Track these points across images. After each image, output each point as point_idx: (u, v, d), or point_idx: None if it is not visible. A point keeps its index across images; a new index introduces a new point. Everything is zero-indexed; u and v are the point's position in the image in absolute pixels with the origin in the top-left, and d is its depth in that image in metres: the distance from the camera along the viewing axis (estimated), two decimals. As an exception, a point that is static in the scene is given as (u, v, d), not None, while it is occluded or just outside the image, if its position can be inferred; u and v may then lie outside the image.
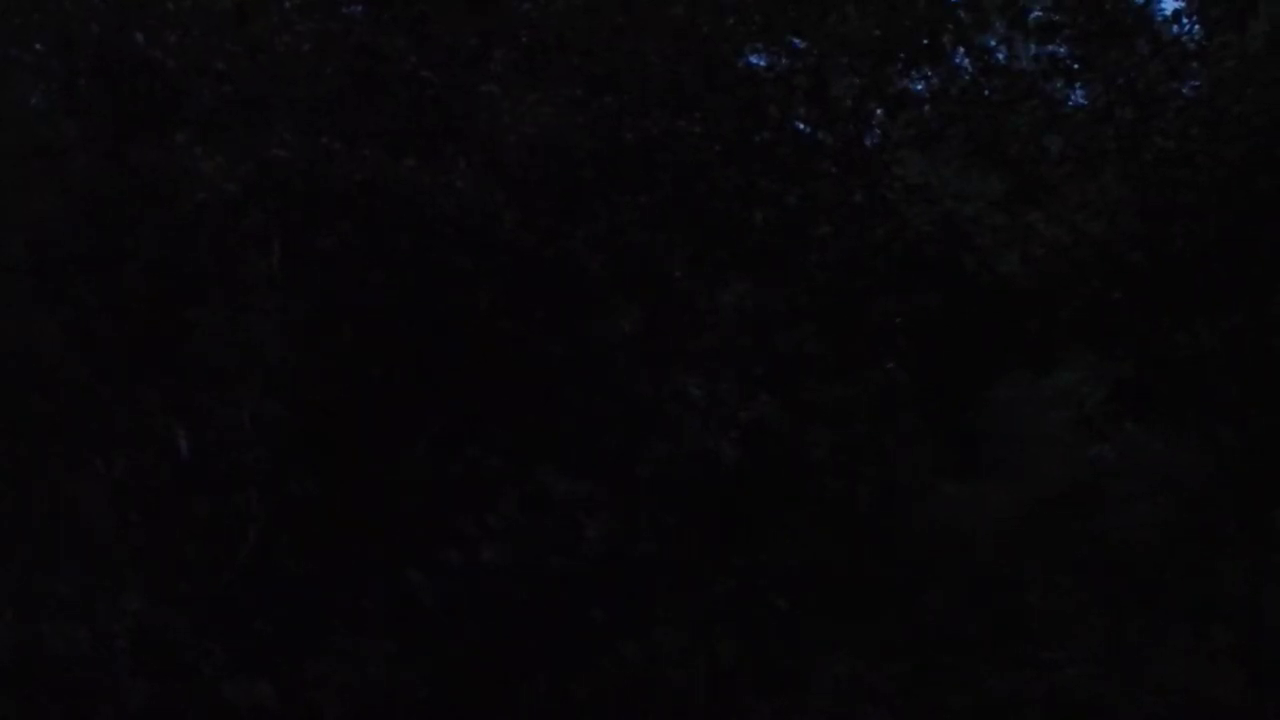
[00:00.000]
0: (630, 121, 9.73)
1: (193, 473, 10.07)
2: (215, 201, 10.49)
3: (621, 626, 9.15)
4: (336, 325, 10.30)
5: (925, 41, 10.62)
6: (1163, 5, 13.15)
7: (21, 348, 10.55)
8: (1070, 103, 12.05)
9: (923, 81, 10.98)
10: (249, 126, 10.60)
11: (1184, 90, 11.41)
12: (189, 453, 10.25)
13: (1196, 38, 11.59)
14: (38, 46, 14.08)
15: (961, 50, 11.10)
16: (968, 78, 11.02)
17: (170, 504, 9.91)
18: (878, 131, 10.74)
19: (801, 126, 10.47)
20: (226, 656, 8.19)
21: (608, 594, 9.31)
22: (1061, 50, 11.72)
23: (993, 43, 11.55)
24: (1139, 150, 11.19)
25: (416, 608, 8.95)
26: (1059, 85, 11.73)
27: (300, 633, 9.04)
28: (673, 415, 9.53)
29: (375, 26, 9.95)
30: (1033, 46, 11.70)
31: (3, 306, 10.10)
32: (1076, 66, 11.70)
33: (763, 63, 10.47)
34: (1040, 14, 11.66)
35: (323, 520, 9.71)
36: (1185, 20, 12.07)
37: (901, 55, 10.67)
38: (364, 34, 9.93)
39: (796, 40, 10.23)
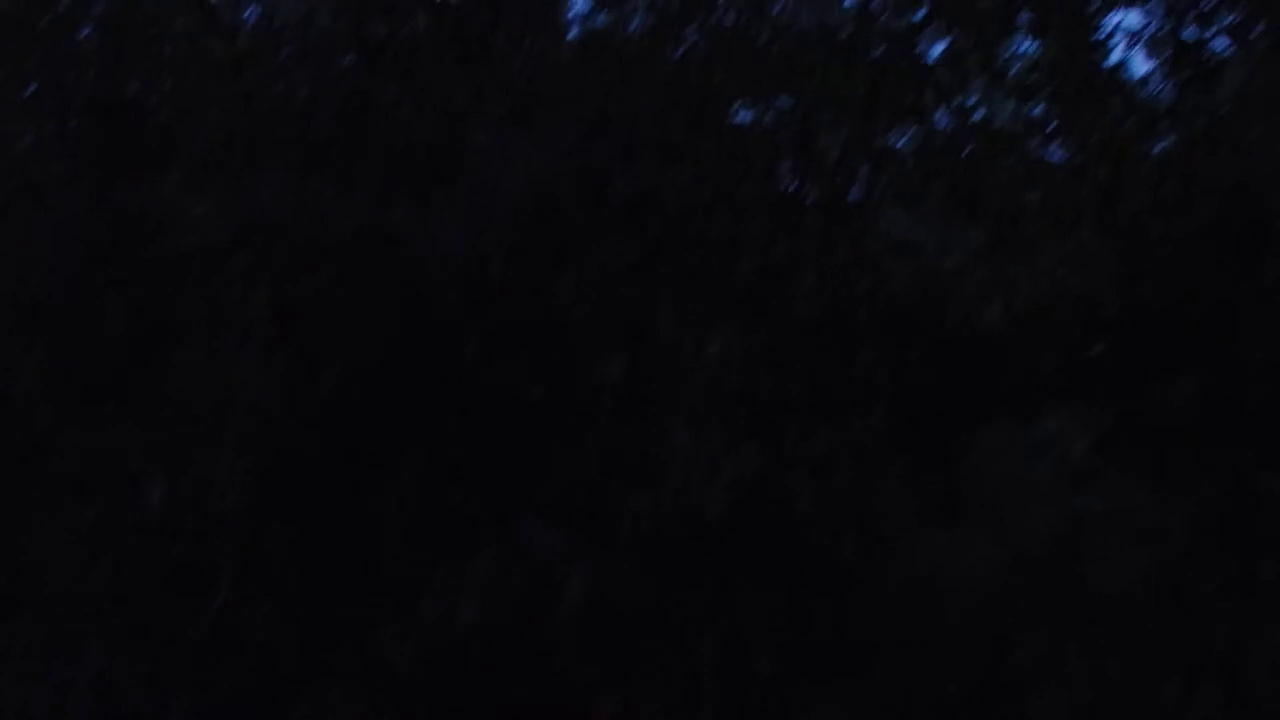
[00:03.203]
0: (619, 172, 9.80)
1: (165, 522, 9.97)
2: (203, 246, 10.52)
3: (601, 686, 9.04)
4: (319, 372, 10.27)
5: (908, 100, 10.77)
6: (1137, 66, 13.40)
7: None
8: (1049, 159, 12.26)
9: (906, 138, 11.13)
10: (239, 172, 10.66)
11: (1156, 150, 11.63)
12: (162, 501, 10.16)
13: (1168, 100, 11.85)
14: (31, 87, 14.20)
15: (943, 108, 11.27)
16: (949, 134, 11.18)
17: (140, 555, 9.79)
18: (861, 186, 10.86)
19: (787, 180, 10.57)
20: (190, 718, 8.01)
21: (587, 651, 9.20)
22: (1039, 109, 11.96)
23: (973, 101, 11.75)
24: (1115, 206, 11.37)
25: (388, 667, 8.82)
26: (1037, 143, 11.93)
27: (268, 693, 8.88)
28: (657, 466, 9.51)
29: (368, 76, 10.04)
30: (1012, 105, 11.92)
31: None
32: (1054, 125, 11.93)
33: (750, 118, 10.60)
34: (1018, 74, 11.91)
35: (296, 574, 9.60)
36: (1157, 82, 12.38)
37: (885, 113, 10.82)
38: (356, 83, 10.02)
39: (783, 98, 10.37)
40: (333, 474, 10.22)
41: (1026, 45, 12.66)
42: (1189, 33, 12.52)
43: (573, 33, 12.09)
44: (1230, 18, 12.67)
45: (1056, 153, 12.04)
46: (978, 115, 11.64)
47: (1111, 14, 12.59)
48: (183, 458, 10.39)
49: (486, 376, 10.14)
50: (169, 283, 11.15)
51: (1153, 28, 12.72)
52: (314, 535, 10.00)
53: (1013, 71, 11.94)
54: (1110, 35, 12.70)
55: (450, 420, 10.11)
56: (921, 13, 11.53)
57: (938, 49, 11.70)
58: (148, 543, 9.95)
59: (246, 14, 14.23)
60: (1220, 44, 12.56)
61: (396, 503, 10.17)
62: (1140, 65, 13.77)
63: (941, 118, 11.48)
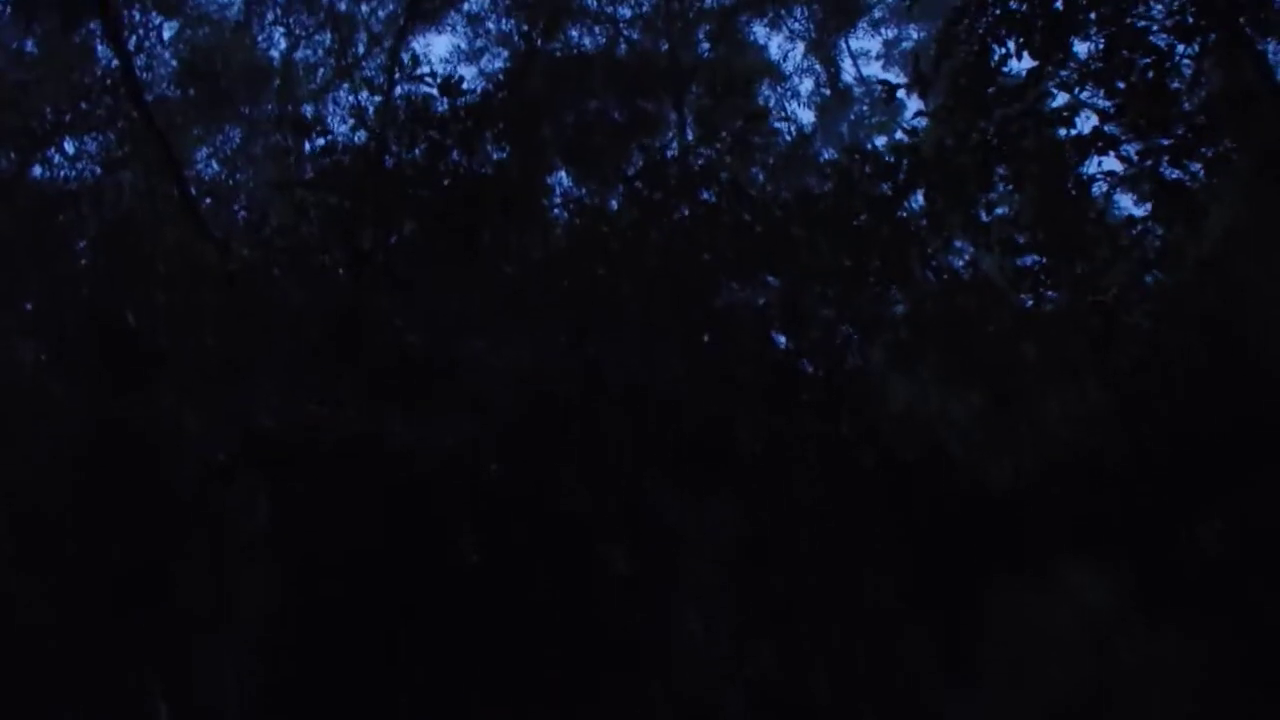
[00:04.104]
0: (612, 364, 9.85)
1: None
2: (202, 465, 10.56)
3: None
4: (321, 580, 10.20)
5: (895, 265, 10.87)
6: (1119, 208, 13.53)
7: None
8: (1041, 309, 12.28)
9: (896, 303, 11.20)
10: (235, 388, 10.73)
11: (1147, 293, 11.67)
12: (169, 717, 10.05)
13: (1155, 243, 11.92)
14: (28, 306, 14.42)
15: (930, 269, 11.36)
16: (939, 295, 11.24)
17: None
18: (856, 356, 10.89)
19: (782, 356, 10.62)
20: None
21: None
22: (1027, 260, 12.04)
23: (959, 262, 11.86)
24: (1111, 354, 11.36)
25: None
26: (1027, 295, 11.98)
27: None
28: (667, 661, 9.36)
29: (359, 289, 10.17)
30: (997, 259, 12.00)
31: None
32: (1043, 275, 11.99)
33: (739, 296, 10.69)
34: (1001, 228, 12.03)
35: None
36: (1142, 225, 12.48)
37: (871, 280, 10.90)
38: (347, 291, 10.15)
39: (770, 277, 10.47)
40: (337, 676, 10.09)
41: (1006, 199, 12.82)
42: (1170, 171, 12.65)
43: (559, 216, 12.32)
44: (1209, 150, 12.81)
45: (1048, 303, 12.08)
46: (965, 273, 11.72)
47: (1090, 159, 12.74)
48: (186, 666, 10.30)
49: (491, 576, 10.05)
50: (169, 494, 11.15)
51: (1133, 169, 12.85)
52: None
53: (995, 226, 12.05)
54: (1091, 180, 12.84)
55: (455, 621, 9.99)
56: (900, 176, 11.68)
57: (919, 210, 11.83)
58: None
59: (237, 219, 14.54)
60: (1203, 178, 12.69)
61: (401, 702, 10.03)
62: (1125, 206, 13.93)
63: (929, 278, 11.55)
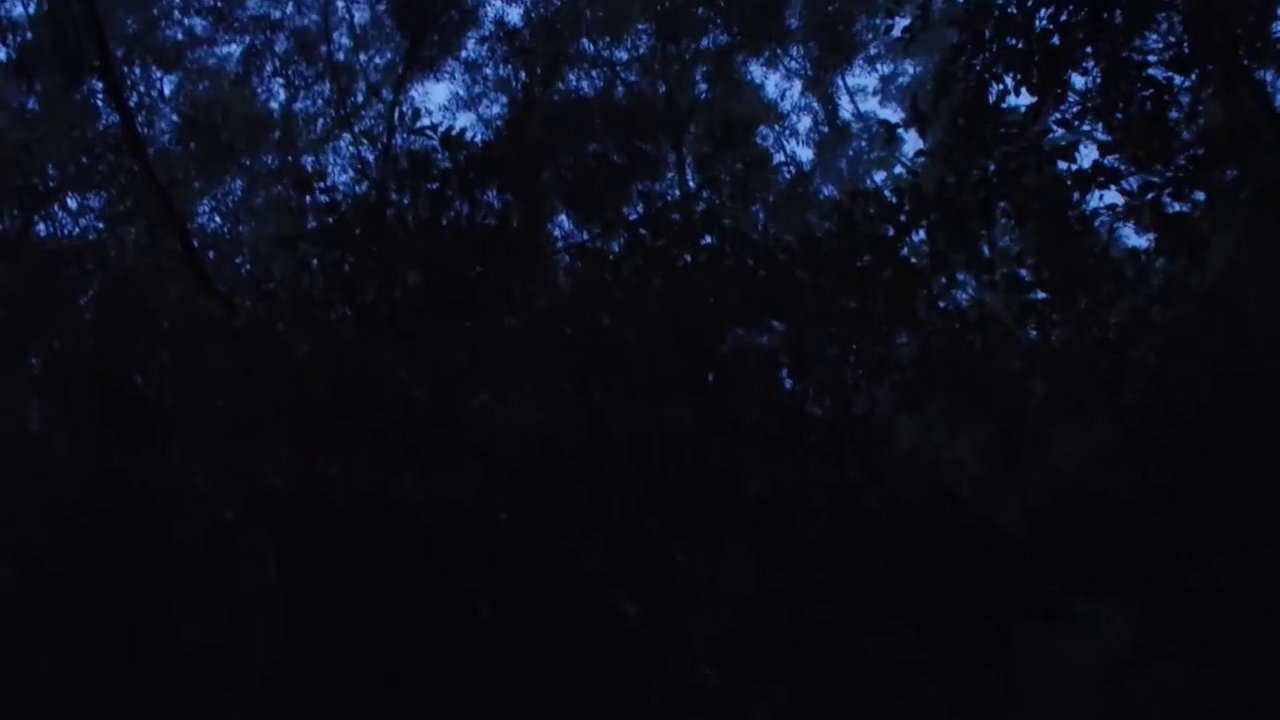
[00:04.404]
0: (617, 413, 9.82)
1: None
2: (209, 521, 10.52)
3: None
4: (328, 634, 10.14)
5: (899, 305, 10.84)
6: (1123, 240, 13.51)
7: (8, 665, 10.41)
8: (1048, 345, 12.24)
9: (902, 345, 11.16)
10: (241, 443, 10.70)
11: (1152, 329, 11.64)
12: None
13: (1158, 278, 11.90)
14: (34, 361, 14.43)
15: (934, 309, 11.33)
16: (944, 334, 11.20)
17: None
18: (863, 398, 10.84)
19: (789, 400, 10.57)
20: None
21: None
22: (1031, 296, 12.01)
23: (963, 298, 11.83)
24: (1119, 390, 11.32)
25: None
26: (1033, 331, 11.94)
27: None
28: (678, 709, 9.28)
29: (363, 342, 10.15)
30: (1002, 297, 11.97)
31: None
32: (1048, 311, 11.96)
33: (743, 343, 10.65)
34: (1005, 266, 12.00)
35: None
36: (1145, 257, 12.45)
37: (876, 321, 10.87)
38: (352, 351, 10.12)
39: (776, 322, 10.44)
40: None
41: (1008, 231, 12.81)
42: (1171, 204, 12.62)
43: (562, 261, 12.31)
44: (1210, 182, 12.79)
45: (1054, 338, 12.04)
46: (970, 311, 11.68)
47: (1091, 193, 12.71)
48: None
49: (497, 625, 9.98)
50: (175, 551, 11.11)
51: (1135, 202, 12.82)
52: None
53: (999, 261, 12.03)
54: (1093, 214, 12.82)
55: (465, 677, 9.91)
56: (902, 216, 11.66)
57: (922, 249, 11.81)
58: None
59: (240, 272, 14.56)
60: (1205, 208, 12.66)
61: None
62: (1129, 238, 13.93)
63: (934, 318, 11.51)
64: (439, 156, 10.84)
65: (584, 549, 9.93)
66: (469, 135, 11.08)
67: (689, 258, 10.42)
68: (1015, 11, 12.62)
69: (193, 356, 11.67)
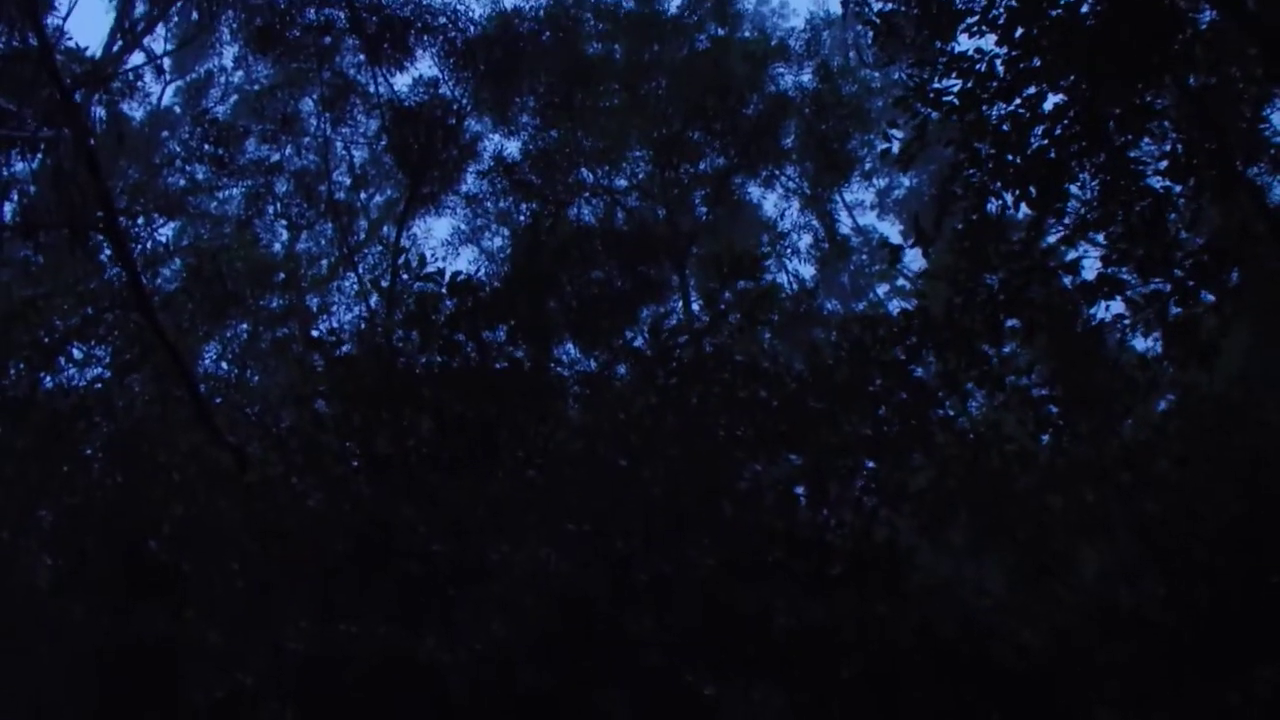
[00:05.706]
0: (640, 559, 9.68)
1: None
2: (227, 689, 10.30)
3: None
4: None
5: (915, 430, 10.79)
6: (1134, 348, 13.51)
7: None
8: (1066, 458, 12.14)
9: (919, 469, 11.08)
10: (258, 606, 10.53)
11: (1168, 438, 11.55)
12: None
13: (1170, 386, 11.88)
14: (43, 514, 14.28)
15: (950, 431, 11.27)
16: (961, 457, 11.13)
17: None
18: (884, 529, 10.71)
19: (809, 533, 10.43)
20: None
21: None
22: (1048, 410, 11.97)
23: (976, 412, 11.78)
24: (1141, 504, 11.20)
25: None
26: (1049, 448, 11.87)
27: None
28: None
29: (382, 499, 10.03)
30: (1016, 414, 11.93)
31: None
32: (1066, 426, 11.90)
33: (762, 477, 10.56)
34: (1017, 382, 11.99)
35: None
36: (1156, 366, 12.43)
37: (892, 447, 10.80)
38: (368, 505, 10.01)
39: (792, 456, 10.37)
40: None
41: (1018, 348, 12.81)
42: (1177, 311, 12.65)
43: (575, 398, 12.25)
44: (1214, 288, 12.82)
45: (1070, 452, 11.95)
46: (986, 430, 11.62)
47: (1098, 303, 12.76)
48: None
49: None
50: (193, 717, 10.87)
51: (1141, 312, 12.87)
52: None
53: (1009, 375, 12.02)
54: (1101, 325, 12.84)
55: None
56: (910, 339, 11.67)
57: (933, 371, 11.80)
58: None
59: (250, 419, 14.50)
60: (1212, 311, 12.68)
61: None
62: (1140, 346, 13.95)
63: (949, 439, 11.45)
64: (446, 303, 10.86)
65: (613, 702, 9.71)
66: (475, 269, 11.17)
67: (698, 397, 10.37)
68: (1009, 129, 12.80)
69: (206, 511, 11.54)
